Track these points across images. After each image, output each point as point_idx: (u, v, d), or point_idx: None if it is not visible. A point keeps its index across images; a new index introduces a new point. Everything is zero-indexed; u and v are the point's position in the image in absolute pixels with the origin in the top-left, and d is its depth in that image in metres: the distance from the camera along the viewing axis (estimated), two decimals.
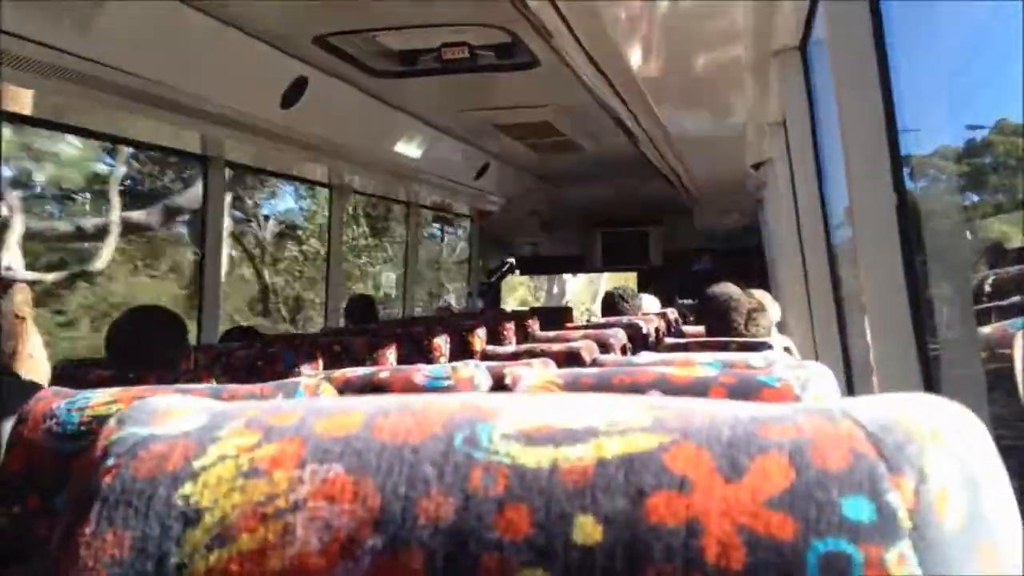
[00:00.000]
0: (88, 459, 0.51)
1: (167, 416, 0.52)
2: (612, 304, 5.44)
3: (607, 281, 13.51)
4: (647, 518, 0.43)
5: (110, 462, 0.50)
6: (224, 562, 0.46)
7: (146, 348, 2.40)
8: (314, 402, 0.54)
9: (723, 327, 3.08)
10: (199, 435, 0.50)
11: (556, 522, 0.44)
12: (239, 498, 0.47)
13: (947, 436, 0.44)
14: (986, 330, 1.97)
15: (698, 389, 1.29)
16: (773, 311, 4.39)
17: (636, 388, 1.34)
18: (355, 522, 0.46)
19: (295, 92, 3.86)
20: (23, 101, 3.14)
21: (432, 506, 0.46)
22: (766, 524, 0.42)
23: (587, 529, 0.44)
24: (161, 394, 0.57)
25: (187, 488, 0.48)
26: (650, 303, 6.06)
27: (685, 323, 6.03)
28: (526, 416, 0.48)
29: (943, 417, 0.45)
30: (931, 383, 1.78)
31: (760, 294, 4.42)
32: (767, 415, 0.47)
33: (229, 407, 0.53)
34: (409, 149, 5.33)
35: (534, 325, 5.47)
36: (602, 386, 1.38)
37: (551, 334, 4.97)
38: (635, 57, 3.57)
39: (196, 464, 0.49)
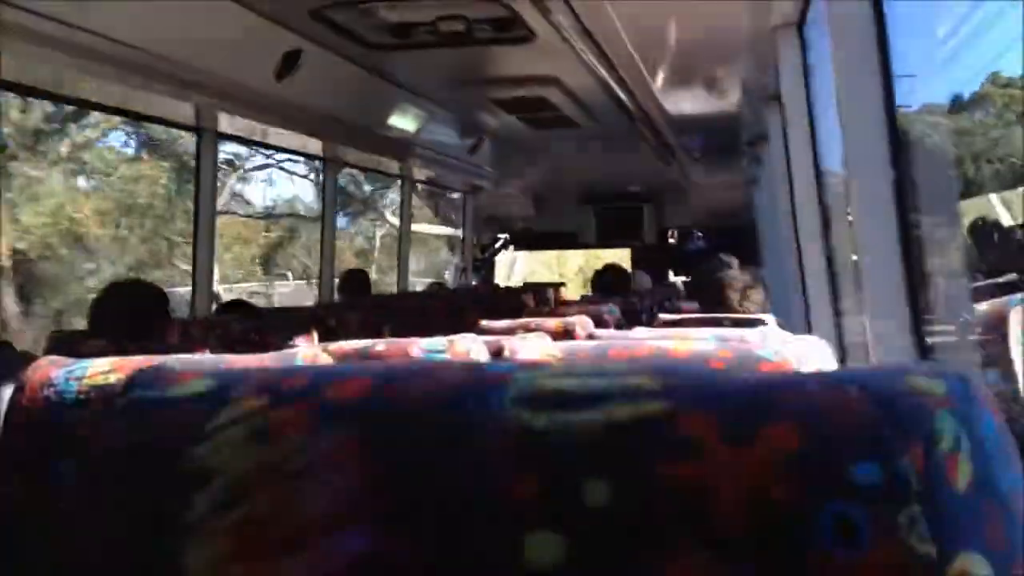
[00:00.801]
0: (94, 424, 0.52)
1: (177, 379, 0.52)
2: (604, 282, 5.45)
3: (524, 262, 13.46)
4: (657, 483, 0.44)
5: (120, 424, 0.50)
6: (234, 524, 0.46)
7: (126, 320, 2.41)
8: (323, 367, 0.54)
9: (717, 303, 3.08)
10: (210, 398, 0.51)
11: (566, 485, 0.44)
12: (250, 461, 0.47)
13: (956, 402, 0.45)
14: (984, 306, 1.98)
15: (696, 363, 1.30)
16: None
17: (633, 361, 1.34)
18: (364, 485, 0.46)
19: (289, 64, 3.84)
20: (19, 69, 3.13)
21: (442, 470, 0.46)
22: (775, 488, 0.42)
23: (597, 492, 0.44)
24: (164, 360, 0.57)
25: (198, 450, 0.48)
26: (643, 280, 6.07)
27: (679, 299, 6.03)
28: (536, 381, 0.49)
29: (952, 383, 0.46)
30: (926, 355, 1.79)
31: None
32: (775, 382, 0.47)
33: (239, 371, 0.53)
34: (403, 123, 5.31)
35: (528, 301, 5.47)
36: (599, 359, 1.38)
37: (545, 309, 4.97)
38: (632, 33, 3.56)
39: (208, 426, 0.49)
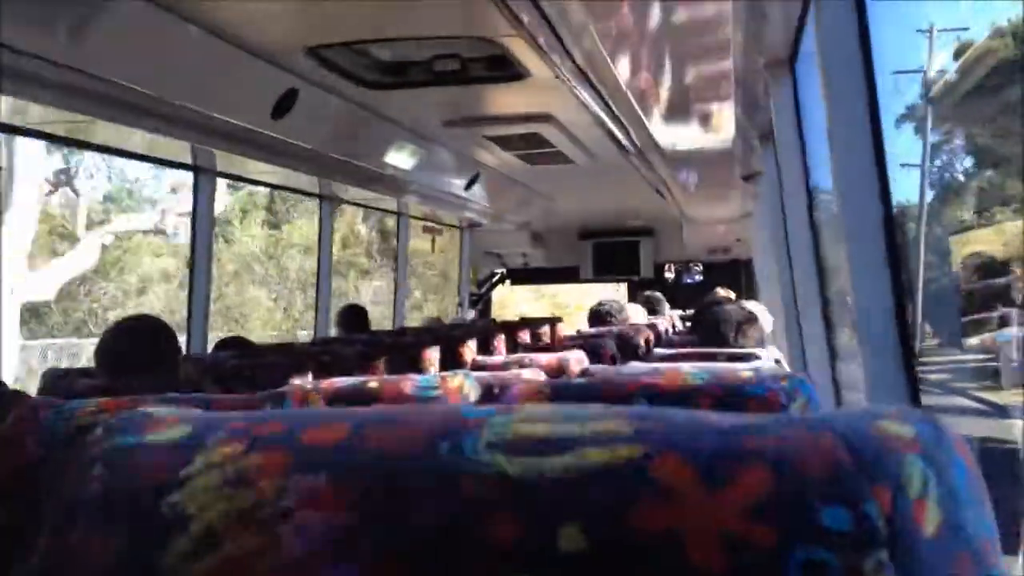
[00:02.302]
0: (76, 467, 0.52)
1: (154, 425, 0.53)
2: (600, 317, 5.45)
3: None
4: (631, 526, 0.44)
5: (97, 470, 0.50)
6: (210, 569, 0.46)
7: (137, 357, 2.40)
8: (300, 412, 0.54)
9: (713, 338, 3.09)
10: (186, 444, 0.51)
11: (541, 530, 0.44)
12: (225, 506, 0.48)
13: (926, 448, 0.45)
14: (975, 340, 1.98)
15: (685, 399, 1.30)
16: (764, 322, 4.40)
17: (623, 397, 1.34)
18: (340, 530, 0.46)
19: (286, 103, 3.86)
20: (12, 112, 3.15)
21: (418, 515, 0.46)
22: (747, 532, 0.43)
23: (572, 537, 0.44)
24: (148, 404, 0.58)
25: (174, 496, 0.48)
26: (636, 313, 6.07)
27: (675, 333, 6.03)
28: (511, 426, 0.49)
29: (922, 429, 0.46)
30: (917, 394, 1.79)
31: (752, 305, 4.44)
32: (749, 425, 0.48)
33: (215, 416, 0.54)
34: (399, 160, 5.33)
35: (524, 336, 5.47)
36: (590, 396, 1.39)
37: (541, 344, 4.98)
38: (626, 70, 3.58)
39: (183, 472, 0.49)
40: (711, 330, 3.12)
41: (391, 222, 10.56)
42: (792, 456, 0.45)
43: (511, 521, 0.45)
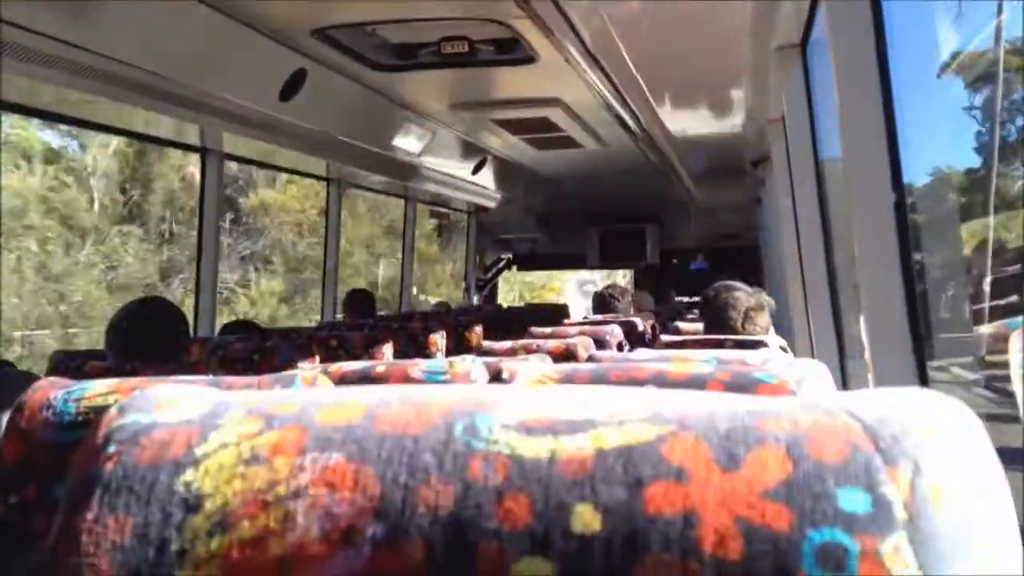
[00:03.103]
0: (89, 446, 0.52)
1: (169, 404, 0.53)
2: (604, 302, 5.46)
3: None
4: (645, 508, 0.44)
5: (112, 449, 0.50)
6: (225, 548, 0.47)
7: (147, 339, 2.41)
8: (315, 392, 0.54)
9: (720, 325, 3.08)
10: (201, 422, 0.51)
11: (555, 512, 0.44)
12: (240, 485, 0.48)
13: (944, 431, 0.45)
14: (984, 329, 1.98)
15: (694, 385, 1.30)
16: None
17: (632, 383, 1.34)
18: (355, 510, 0.46)
19: (294, 85, 3.86)
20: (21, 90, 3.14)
21: (432, 495, 0.46)
22: (762, 515, 0.42)
23: (586, 519, 0.44)
24: (159, 384, 0.58)
25: (188, 475, 0.48)
26: (644, 301, 6.07)
27: (681, 320, 6.03)
28: (525, 407, 0.49)
29: (940, 411, 0.46)
30: (926, 380, 1.79)
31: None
32: (764, 408, 0.47)
33: (231, 395, 0.53)
34: (407, 143, 5.33)
35: (531, 321, 5.47)
36: (598, 381, 1.38)
37: (547, 330, 4.98)
38: (635, 54, 3.57)
39: (198, 451, 0.49)
40: (718, 315, 3.11)
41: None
42: (808, 438, 0.44)
43: (525, 502, 0.45)
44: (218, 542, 0.47)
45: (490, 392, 0.51)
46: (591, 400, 0.49)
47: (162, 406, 0.52)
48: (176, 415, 0.52)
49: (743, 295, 3.25)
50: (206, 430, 0.50)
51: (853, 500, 0.42)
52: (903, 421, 0.45)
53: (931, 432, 0.44)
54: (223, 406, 0.52)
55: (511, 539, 0.44)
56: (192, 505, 0.48)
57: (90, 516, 0.49)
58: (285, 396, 0.53)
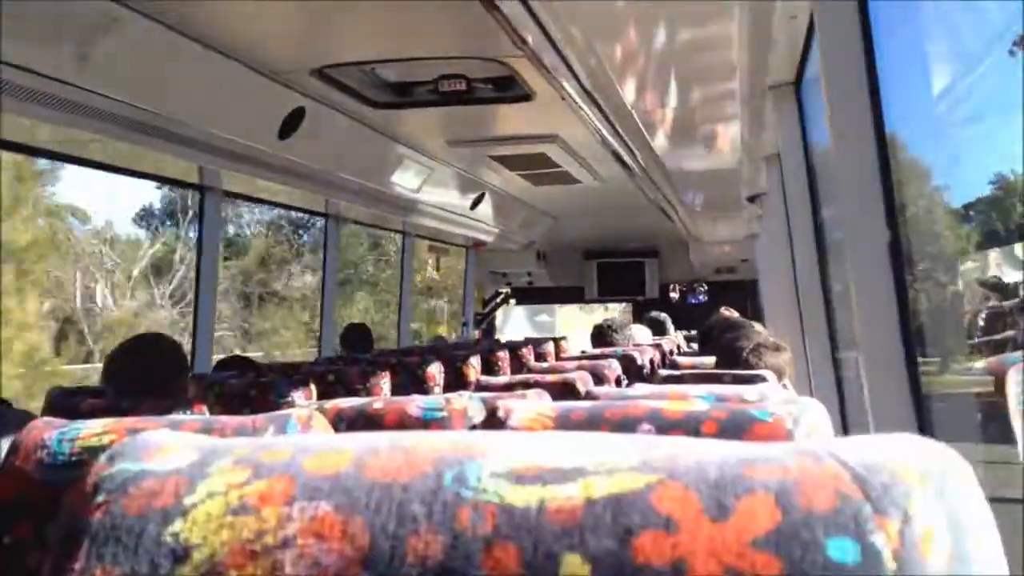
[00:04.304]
0: (78, 494, 0.51)
1: (158, 452, 0.53)
2: (602, 335, 5.46)
3: None
4: (634, 558, 0.43)
5: (100, 498, 0.50)
6: None
7: (147, 377, 2.39)
8: (304, 439, 0.54)
9: (730, 361, 3.06)
10: (189, 472, 0.51)
11: (544, 561, 0.44)
12: (228, 535, 0.47)
13: (933, 478, 0.44)
14: (982, 364, 1.97)
15: (690, 424, 1.29)
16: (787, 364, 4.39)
17: (628, 422, 1.34)
18: (344, 560, 0.46)
19: (292, 123, 3.88)
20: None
21: (421, 545, 0.46)
22: (752, 564, 0.42)
23: (575, 569, 0.44)
24: (152, 426, 0.57)
25: (176, 525, 0.48)
26: (641, 334, 6.07)
27: (680, 354, 6.02)
28: (515, 455, 0.49)
29: (930, 459, 0.46)
30: (924, 422, 1.78)
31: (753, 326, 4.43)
32: (754, 455, 0.47)
33: (219, 443, 0.53)
34: (405, 179, 5.35)
35: (529, 356, 5.46)
36: (594, 419, 1.38)
37: (545, 365, 4.97)
38: (631, 92, 3.60)
39: (186, 501, 0.49)
40: (727, 357, 3.09)
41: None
42: (798, 486, 0.44)
43: (514, 552, 0.45)
44: None
45: (480, 438, 0.51)
46: (581, 447, 0.49)
47: (151, 454, 0.52)
48: (165, 464, 0.51)
49: (754, 333, 3.24)
50: (194, 479, 0.50)
51: (842, 549, 0.42)
52: (893, 469, 0.45)
53: (921, 480, 0.44)
54: (212, 454, 0.52)
55: None
56: (180, 556, 0.47)
57: (78, 566, 0.48)
58: (274, 443, 0.53)
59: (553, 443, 0.50)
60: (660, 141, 4.65)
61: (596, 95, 3.40)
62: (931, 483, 0.44)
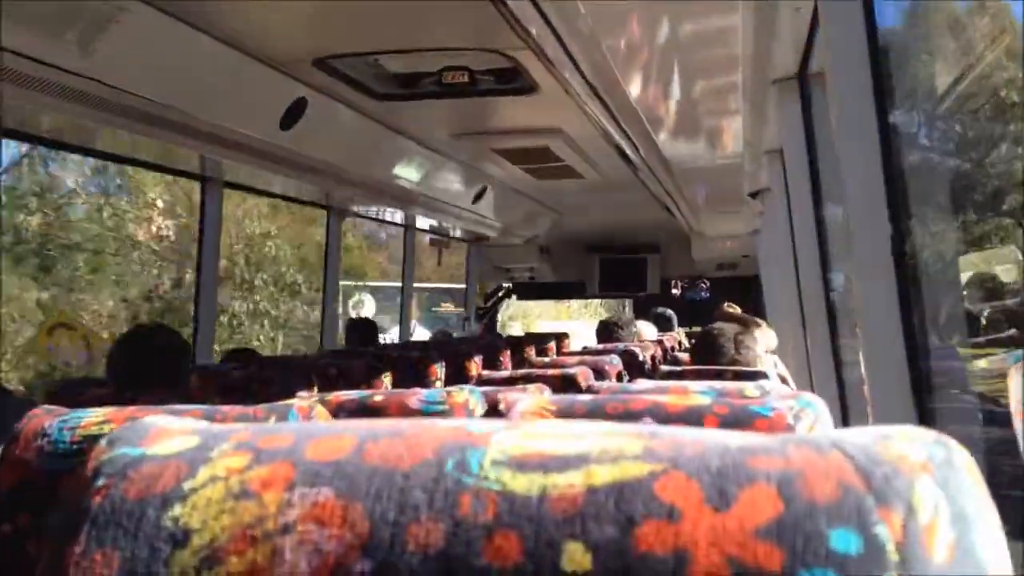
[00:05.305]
0: (78, 479, 0.51)
1: (158, 437, 0.52)
2: (607, 331, 5.47)
3: None
4: (636, 547, 0.43)
5: (100, 482, 0.50)
6: None
7: (151, 368, 2.37)
8: (305, 426, 0.54)
9: (713, 354, 3.07)
10: (190, 456, 0.50)
11: (545, 549, 0.44)
12: (228, 520, 0.47)
13: (936, 469, 0.44)
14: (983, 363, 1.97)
15: (691, 418, 1.29)
16: (769, 339, 4.39)
17: (630, 416, 1.34)
18: (344, 546, 0.46)
19: (294, 113, 3.87)
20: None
21: (422, 532, 0.46)
22: (754, 554, 0.42)
23: (576, 557, 0.44)
24: (153, 414, 0.57)
25: (176, 509, 0.48)
26: (646, 330, 6.07)
27: (682, 350, 6.03)
28: (517, 442, 0.49)
29: (933, 450, 0.45)
30: (925, 415, 1.78)
31: (756, 322, 4.43)
32: (757, 445, 0.47)
33: (221, 429, 0.53)
34: (407, 172, 5.34)
35: (530, 351, 5.47)
36: (595, 413, 1.38)
37: (547, 359, 4.97)
38: (635, 85, 3.59)
39: (186, 485, 0.49)
40: (709, 349, 3.11)
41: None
42: (800, 477, 0.44)
43: (515, 540, 0.45)
44: None
45: (482, 426, 0.51)
46: (583, 435, 0.49)
47: (151, 439, 0.52)
48: (165, 448, 0.51)
49: (729, 325, 3.25)
50: (195, 464, 0.50)
51: (845, 540, 0.42)
52: (896, 460, 0.44)
53: (924, 471, 0.44)
54: (213, 439, 0.52)
55: None
56: (180, 540, 0.47)
57: (78, 550, 0.48)
58: (275, 429, 0.53)
59: (555, 431, 0.50)
60: (663, 135, 4.64)
61: (600, 88, 3.40)
62: (935, 475, 0.44)
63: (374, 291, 15.34)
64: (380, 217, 7.27)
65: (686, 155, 5.29)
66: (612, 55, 3.13)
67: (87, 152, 4.14)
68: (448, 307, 14.63)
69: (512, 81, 3.87)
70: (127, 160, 4.49)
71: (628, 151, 4.72)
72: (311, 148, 4.24)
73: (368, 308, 14.32)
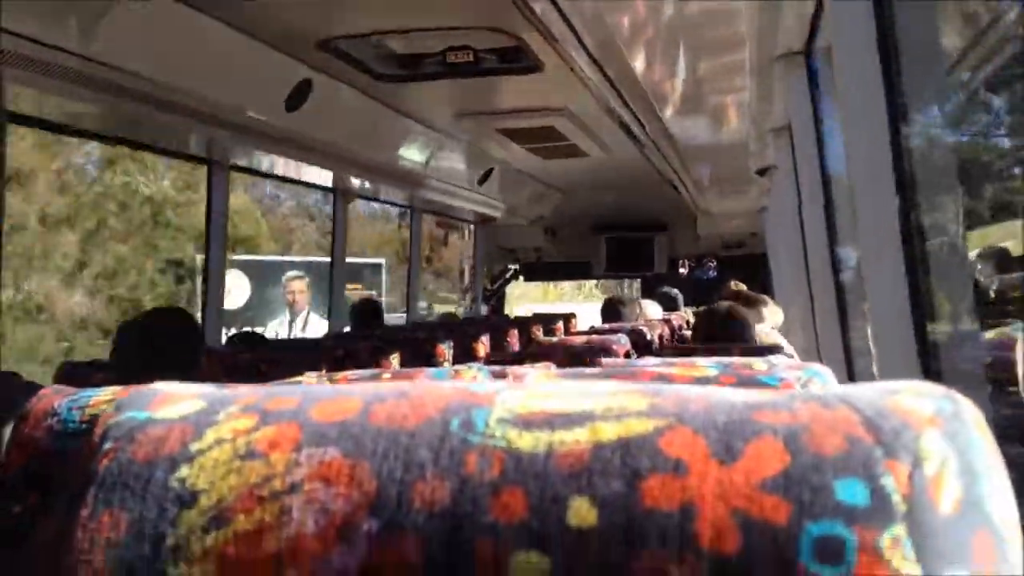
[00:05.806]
0: (87, 444, 0.52)
1: (165, 401, 0.53)
2: (613, 310, 5.47)
3: None
4: (642, 501, 0.43)
5: (108, 445, 0.50)
6: (220, 543, 0.46)
7: (159, 352, 2.32)
8: (311, 388, 0.54)
9: (715, 332, 3.07)
10: (197, 419, 0.51)
11: (551, 505, 0.44)
12: (235, 480, 0.47)
13: (944, 422, 0.44)
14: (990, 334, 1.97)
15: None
16: (776, 317, 4.39)
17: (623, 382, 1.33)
18: (351, 505, 0.46)
19: (299, 95, 3.87)
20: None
21: (428, 490, 0.46)
22: (760, 507, 0.42)
23: (582, 512, 0.44)
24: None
25: (183, 471, 0.48)
26: (653, 310, 6.07)
27: (689, 329, 6.02)
28: (523, 401, 0.49)
29: (942, 404, 0.45)
30: (930, 372, 1.78)
31: (763, 300, 4.42)
32: (763, 401, 0.47)
33: (227, 393, 0.53)
34: (413, 153, 5.34)
35: (538, 331, 5.47)
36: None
37: (554, 339, 4.97)
38: (640, 62, 3.57)
39: (193, 447, 0.49)
40: (711, 327, 3.10)
41: None
42: (807, 430, 0.44)
43: (521, 497, 0.45)
44: (213, 537, 0.46)
45: (487, 387, 0.51)
46: (589, 394, 0.49)
47: (158, 403, 0.52)
48: (172, 412, 0.52)
49: (725, 303, 3.26)
50: (201, 426, 0.50)
51: (852, 492, 0.42)
52: (903, 413, 0.44)
53: (931, 425, 0.44)
54: (219, 403, 0.52)
55: (508, 534, 0.44)
56: (187, 500, 0.47)
57: (85, 513, 0.48)
58: (281, 392, 0.53)
59: (560, 389, 0.50)
60: (669, 112, 4.62)
61: (605, 66, 3.39)
62: (942, 427, 0.44)
63: (253, 267, 12.23)
64: (386, 199, 7.25)
65: (692, 132, 5.27)
66: (617, 32, 3.12)
67: (90, 136, 4.14)
68: (358, 290, 11.35)
69: (516, 60, 3.85)
70: (133, 144, 4.49)
71: (634, 129, 4.71)
72: (317, 130, 4.24)
73: (238, 292, 11.40)
